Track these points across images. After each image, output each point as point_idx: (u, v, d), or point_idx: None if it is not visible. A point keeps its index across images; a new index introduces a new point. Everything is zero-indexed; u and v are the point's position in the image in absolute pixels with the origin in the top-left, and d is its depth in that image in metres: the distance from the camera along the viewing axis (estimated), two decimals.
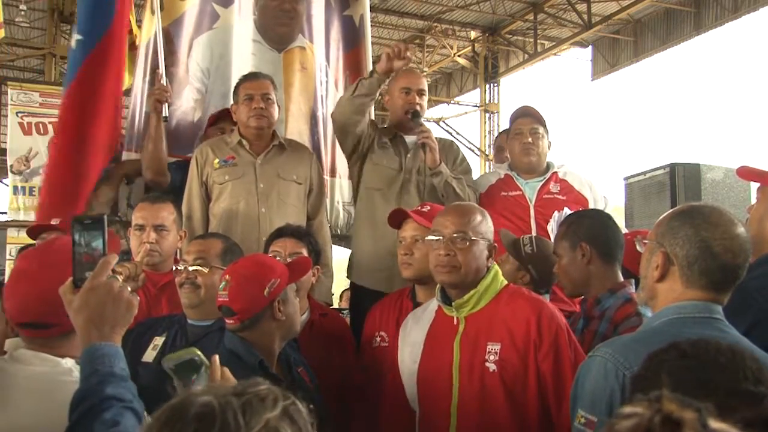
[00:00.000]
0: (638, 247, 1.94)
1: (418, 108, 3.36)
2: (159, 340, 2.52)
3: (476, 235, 2.31)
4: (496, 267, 2.38)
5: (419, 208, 2.77)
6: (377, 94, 3.28)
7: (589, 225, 2.53)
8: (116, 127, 3.54)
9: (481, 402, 2.19)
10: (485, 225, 2.37)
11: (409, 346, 2.43)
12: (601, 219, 2.61)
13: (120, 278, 1.48)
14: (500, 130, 6.43)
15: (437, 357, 2.30)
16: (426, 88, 3.46)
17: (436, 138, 3.37)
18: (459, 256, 2.28)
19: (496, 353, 2.21)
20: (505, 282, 2.38)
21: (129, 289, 1.48)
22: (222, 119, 3.72)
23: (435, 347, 2.33)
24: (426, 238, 2.40)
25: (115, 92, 3.54)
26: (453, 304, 2.31)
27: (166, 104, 3.48)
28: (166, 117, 3.48)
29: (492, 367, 2.20)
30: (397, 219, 2.78)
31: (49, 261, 1.57)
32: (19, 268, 1.59)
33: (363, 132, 3.35)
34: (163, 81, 3.52)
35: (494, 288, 2.32)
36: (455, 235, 2.29)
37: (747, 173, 2.41)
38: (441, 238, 2.31)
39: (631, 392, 1.29)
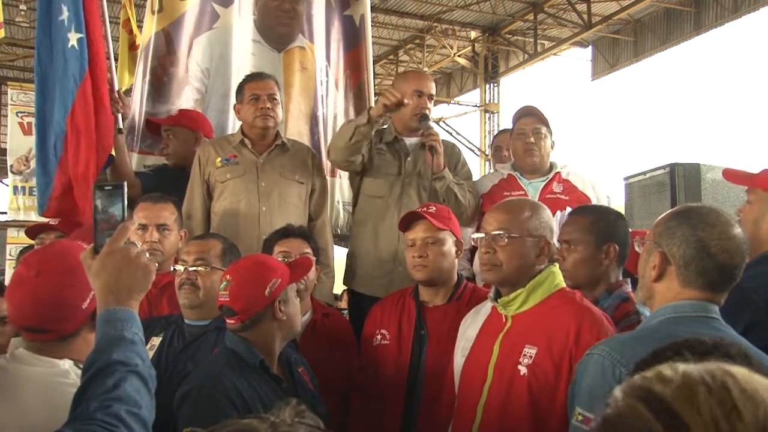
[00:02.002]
0: (636, 248, 1.95)
1: (427, 112, 3.35)
2: (156, 340, 2.53)
3: (521, 232, 2.19)
4: (554, 268, 2.25)
5: (425, 209, 2.73)
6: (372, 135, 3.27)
7: (621, 227, 2.46)
8: (111, 128, 3.51)
9: (505, 404, 2.10)
10: (534, 221, 2.23)
11: (464, 341, 2.36)
12: (625, 221, 2.56)
13: (139, 244, 1.49)
14: (500, 130, 6.41)
15: (480, 354, 2.23)
16: (434, 92, 3.45)
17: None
18: (499, 253, 2.19)
19: (530, 357, 2.09)
20: (562, 284, 2.25)
21: (147, 255, 1.48)
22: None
23: (482, 344, 2.26)
24: (472, 235, 2.34)
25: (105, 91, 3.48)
26: (499, 301, 2.23)
27: (120, 116, 3.45)
28: (120, 129, 3.45)
29: (523, 370, 2.09)
30: (406, 221, 2.73)
31: (46, 268, 1.58)
32: (18, 273, 1.61)
33: (363, 158, 3.33)
34: (116, 91, 3.49)
35: (546, 289, 2.20)
36: (496, 232, 2.21)
37: (733, 176, 2.39)
38: (484, 235, 2.26)
39: None
